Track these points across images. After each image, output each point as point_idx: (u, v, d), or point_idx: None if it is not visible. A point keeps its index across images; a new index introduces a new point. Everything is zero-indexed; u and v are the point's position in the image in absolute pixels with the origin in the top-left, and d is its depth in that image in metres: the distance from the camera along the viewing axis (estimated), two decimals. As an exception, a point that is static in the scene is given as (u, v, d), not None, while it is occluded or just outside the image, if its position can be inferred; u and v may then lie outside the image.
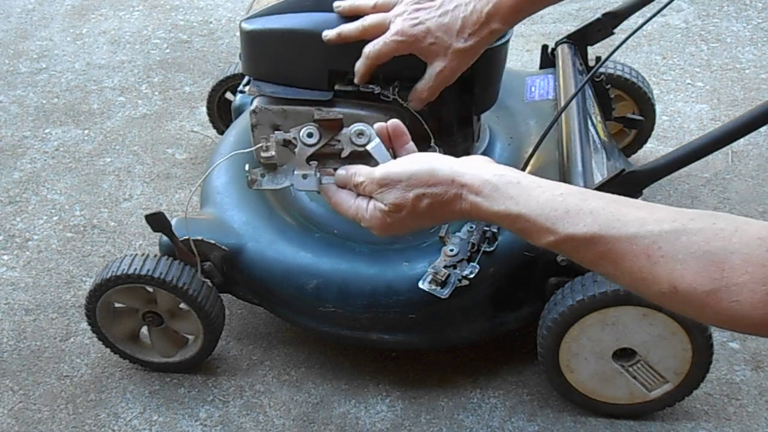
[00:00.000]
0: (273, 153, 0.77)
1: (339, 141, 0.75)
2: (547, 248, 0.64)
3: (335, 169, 0.75)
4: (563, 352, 1.22)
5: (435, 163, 0.67)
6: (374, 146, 0.74)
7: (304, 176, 0.75)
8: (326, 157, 0.76)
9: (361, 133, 0.75)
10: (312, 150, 0.75)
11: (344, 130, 0.75)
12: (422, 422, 1.33)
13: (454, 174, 0.66)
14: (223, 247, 1.30)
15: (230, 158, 1.46)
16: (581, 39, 1.56)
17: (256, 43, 1.17)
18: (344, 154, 0.75)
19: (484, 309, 1.27)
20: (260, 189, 0.79)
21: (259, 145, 0.78)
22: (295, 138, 0.75)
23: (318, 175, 0.75)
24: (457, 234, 1.23)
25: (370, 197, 0.70)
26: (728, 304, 0.53)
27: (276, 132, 0.77)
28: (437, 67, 0.89)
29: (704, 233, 0.55)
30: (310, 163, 0.75)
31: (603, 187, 1.13)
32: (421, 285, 1.20)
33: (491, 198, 0.64)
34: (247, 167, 0.78)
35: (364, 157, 0.75)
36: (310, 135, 0.75)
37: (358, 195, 0.72)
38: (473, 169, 0.66)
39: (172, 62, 2.31)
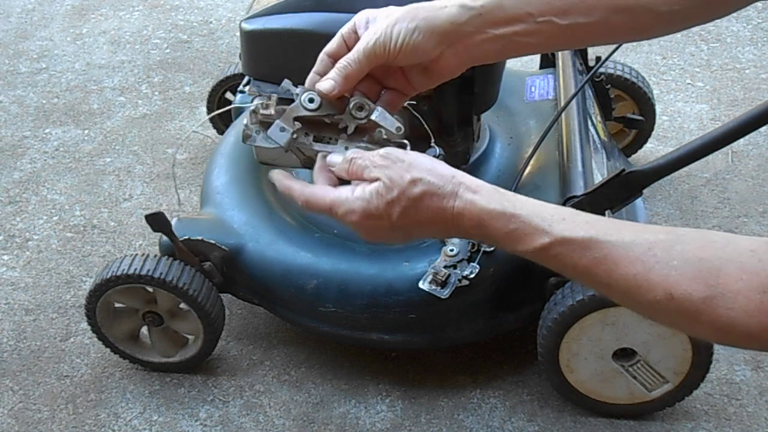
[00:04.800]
0: (272, 111, 0.76)
1: (342, 119, 0.75)
2: (534, 254, 0.62)
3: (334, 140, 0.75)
4: (563, 352, 1.22)
5: (437, 161, 0.68)
6: (378, 115, 0.74)
7: (282, 129, 0.75)
8: (324, 128, 0.76)
9: (360, 107, 0.75)
10: (305, 113, 0.75)
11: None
12: (422, 422, 1.33)
13: (455, 172, 0.66)
14: (223, 247, 1.30)
15: (230, 159, 1.47)
16: (581, 39, 1.56)
17: (256, 43, 1.17)
18: (350, 131, 0.75)
19: (484, 309, 1.27)
20: (253, 145, 0.78)
21: (260, 101, 0.77)
22: (296, 95, 0.75)
23: (294, 135, 0.75)
24: (457, 234, 1.23)
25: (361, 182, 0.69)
26: (724, 312, 0.52)
27: (285, 81, 0.77)
28: (372, 27, 0.72)
29: (698, 242, 0.56)
30: (295, 122, 0.75)
31: (603, 187, 1.13)
32: (421, 285, 1.20)
33: (488, 196, 0.64)
34: (245, 121, 0.77)
35: (366, 131, 0.75)
36: (311, 100, 0.75)
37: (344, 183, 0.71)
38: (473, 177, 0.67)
39: (172, 62, 2.31)
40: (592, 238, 0.58)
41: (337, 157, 0.73)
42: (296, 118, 0.75)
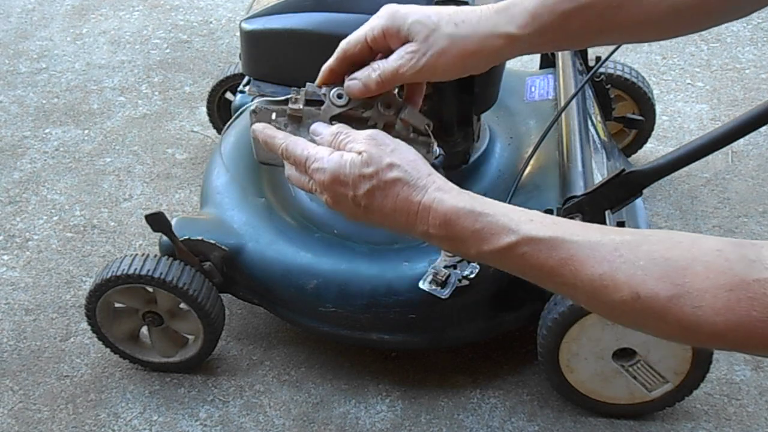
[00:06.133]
0: (301, 106, 0.76)
1: (370, 117, 0.75)
2: (500, 254, 0.61)
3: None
4: (563, 352, 1.22)
5: (419, 156, 0.69)
6: (408, 112, 0.75)
7: None
8: (353, 121, 0.76)
9: (388, 105, 0.75)
10: (338, 111, 0.75)
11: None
12: (422, 422, 1.33)
13: (432, 171, 0.67)
14: (223, 247, 1.30)
15: (230, 159, 1.47)
16: (581, 39, 1.56)
17: (256, 43, 1.17)
18: (379, 127, 0.76)
19: (484, 309, 1.27)
20: None
21: (289, 96, 0.77)
22: (324, 94, 0.76)
23: None
24: (457, 234, 1.23)
25: (341, 150, 0.70)
26: (691, 310, 0.52)
27: (308, 84, 0.77)
28: (409, 47, 0.69)
29: (664, 243, 0.56)
30: (332, 122, 0.75)
31: (603, 187, 1.13)
32: (421, 285, 1.20)
33: (457, 196, 0.64)
34: (273, 116, 0.77)
35: (392, 127, 0.76)
36: (339, 96, 0.75)
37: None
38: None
39: (172, 62, 2.31)
40: (559, 238, 0.58)
41: (322, 127, 0.73)
42: (332, 118, 0.76)
